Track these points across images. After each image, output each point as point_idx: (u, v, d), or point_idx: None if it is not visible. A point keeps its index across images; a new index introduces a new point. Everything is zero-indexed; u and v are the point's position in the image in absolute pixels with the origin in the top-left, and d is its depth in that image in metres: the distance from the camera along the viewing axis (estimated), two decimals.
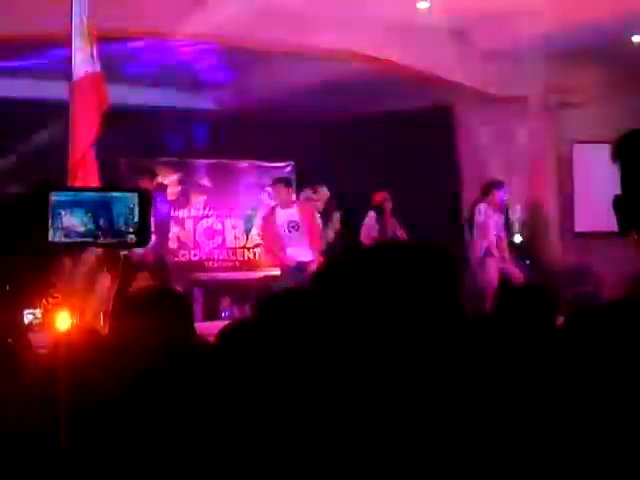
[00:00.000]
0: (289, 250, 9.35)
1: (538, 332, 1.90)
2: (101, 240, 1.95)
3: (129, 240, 1.96)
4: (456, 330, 1.59)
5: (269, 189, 10.64)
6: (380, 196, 10.29)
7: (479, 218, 9.73)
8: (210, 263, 11.32)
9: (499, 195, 9.82)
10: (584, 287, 10.03)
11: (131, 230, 1.95)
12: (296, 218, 9.39)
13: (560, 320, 2.28)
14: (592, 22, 9.04)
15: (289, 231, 9.35)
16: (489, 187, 9.84)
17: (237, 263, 11.55)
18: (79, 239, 1.93)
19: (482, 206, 9.76)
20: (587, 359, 1.57)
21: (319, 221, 9.81)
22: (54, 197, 1.91)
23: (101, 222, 1.93)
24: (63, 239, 1.92)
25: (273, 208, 9.69)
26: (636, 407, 1.50)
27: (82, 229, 1.92)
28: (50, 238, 1.90)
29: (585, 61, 10.50)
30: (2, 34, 7.96)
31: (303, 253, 9.32)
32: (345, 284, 1.58)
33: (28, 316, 6.56)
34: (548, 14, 8.71)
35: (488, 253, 9.63)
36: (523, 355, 1.58)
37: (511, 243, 10.22)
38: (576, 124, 11.20)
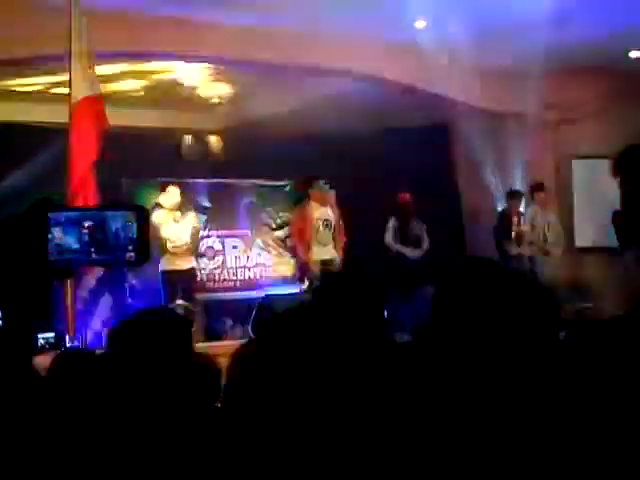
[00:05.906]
0: (314, 249, 9.74)
1: (541, 345, 1.90)
2: (96, 257, 1.91)
3: (127, 257, 1.93)
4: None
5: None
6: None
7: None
8: (211, 283, 11.29)
9: None
10: (584, 302, 10.00)
11: (130, 247, 1.92)
12: (330, 217, 9.88)
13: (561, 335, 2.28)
14: (591, 38, 9.08)
15: (323, 228, 9.80)
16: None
17: (238, 283, 11.53)
18: (74, 257, 1.89)
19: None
20: (588, 371, 1.56)
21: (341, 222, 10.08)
22: (51, 217, 1.88)
23: (96, 239, 1.89)
24: (58, 258, 1.88)
25: (308, 204, 9.94)
26: (635, 418, 1.49)
27: (77, 247, 1.89)
28: (48, 258, 1.87)
29: (584, 77, 10.51)
30: (1, 57, 7.97)
31: (327, 252, 9.77)
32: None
33: (41, 340, 6.56)
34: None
35: None
36: (525, 368, 1.58)
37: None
38: (575, 140, 11.21)
